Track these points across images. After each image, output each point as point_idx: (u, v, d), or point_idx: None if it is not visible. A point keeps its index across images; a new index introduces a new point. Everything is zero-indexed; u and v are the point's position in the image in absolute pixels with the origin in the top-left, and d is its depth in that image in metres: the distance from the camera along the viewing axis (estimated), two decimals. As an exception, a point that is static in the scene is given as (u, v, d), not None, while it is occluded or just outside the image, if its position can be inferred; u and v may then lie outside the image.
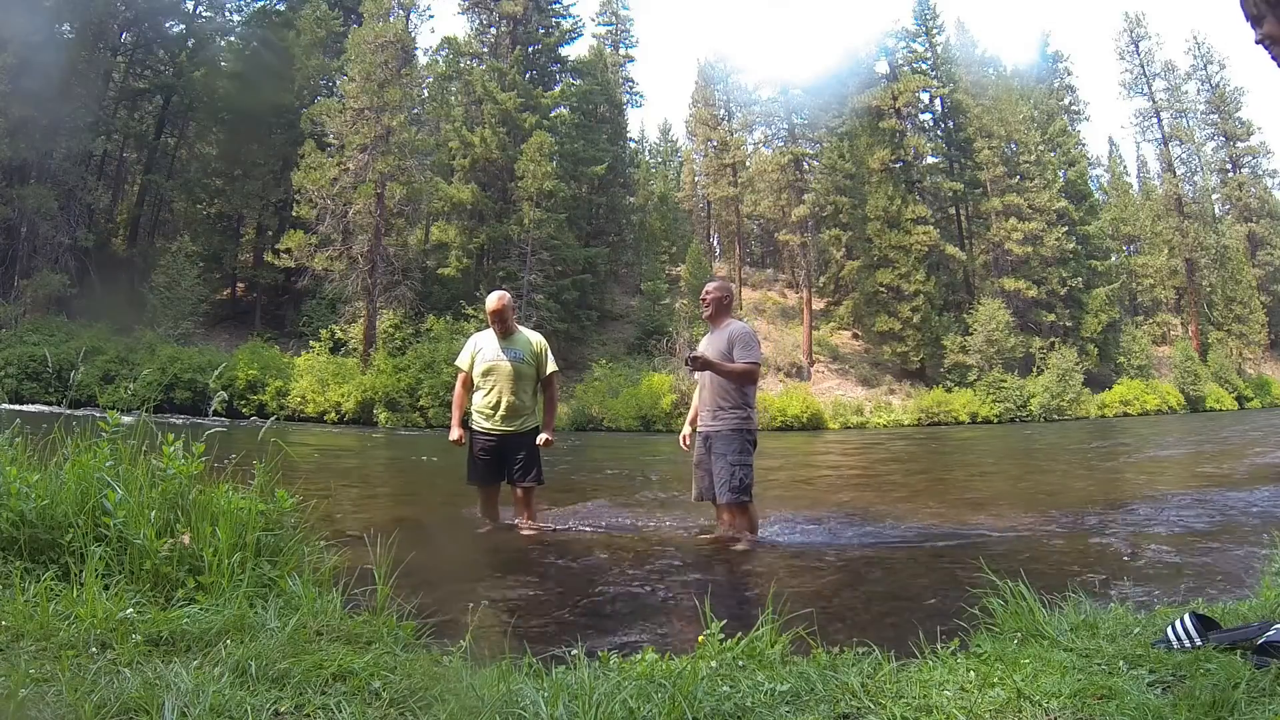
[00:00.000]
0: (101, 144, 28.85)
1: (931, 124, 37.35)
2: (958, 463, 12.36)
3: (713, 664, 1.98)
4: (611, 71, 38.67)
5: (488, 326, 4.95)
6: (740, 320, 4.80)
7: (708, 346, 4.57)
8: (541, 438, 4.84)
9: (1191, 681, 1.80)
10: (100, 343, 21.83)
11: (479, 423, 4.87)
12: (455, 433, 4.96)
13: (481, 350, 4.87)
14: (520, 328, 4.97)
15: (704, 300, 4.70)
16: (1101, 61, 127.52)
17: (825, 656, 2.03)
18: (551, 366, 4.93)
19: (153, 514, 2.44)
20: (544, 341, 4.98)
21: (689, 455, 4.84)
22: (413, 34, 28.23)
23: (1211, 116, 42.88)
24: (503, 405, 4.80)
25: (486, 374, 4.82)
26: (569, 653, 2.01)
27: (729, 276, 37.13)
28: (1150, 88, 42.81)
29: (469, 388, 4.97)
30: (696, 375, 4.71)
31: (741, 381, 4.48)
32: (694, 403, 4.92)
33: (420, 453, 13.11)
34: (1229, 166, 43.33)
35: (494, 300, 4.80)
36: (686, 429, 4.91)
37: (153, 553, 2.34)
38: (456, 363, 5.02)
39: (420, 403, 23.04)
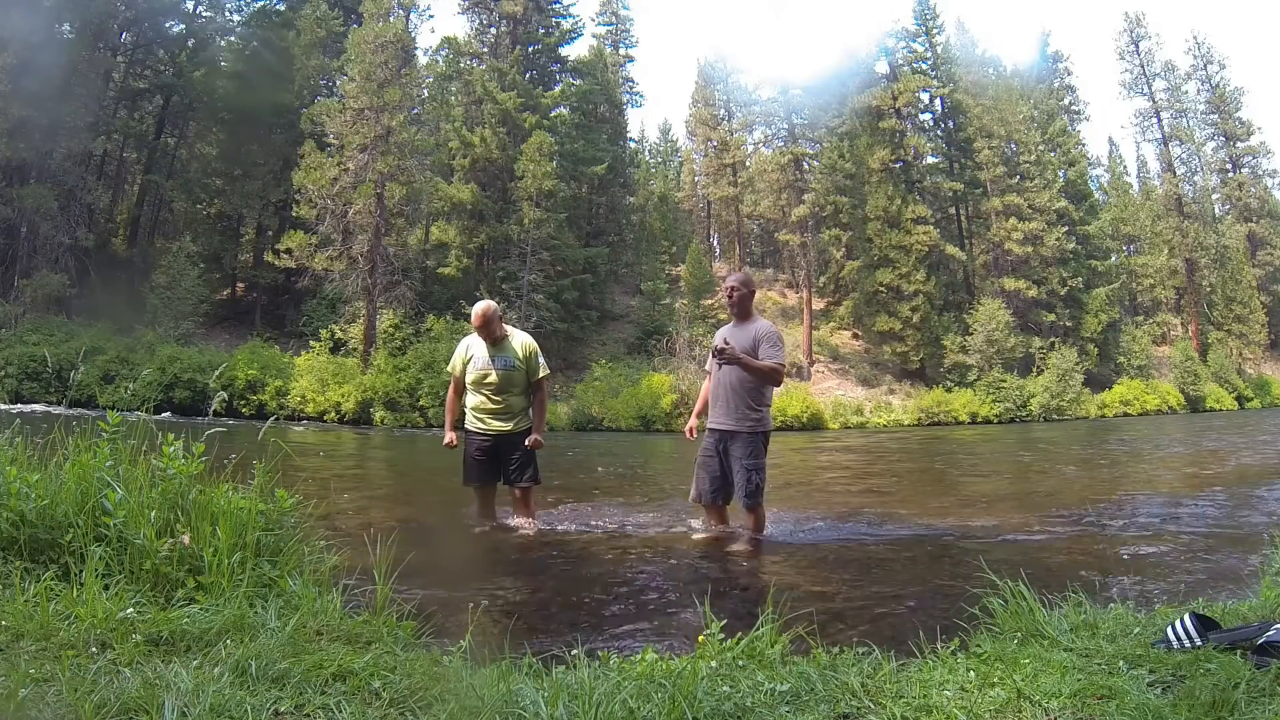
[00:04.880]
0: (101, 144, 28.84)
1: (931, 124, 37.30)
2: (958, 463, 12.36)
3: (713, 664, 1.99)
4: (611, 71, 38.61)
5: None
6: (765, 319, 4.72)
7: (734, 339, 4.42)
8: (530, 439, 4.85)
9: (1191, 681, 1.80)
10: (100, 343, 21.80)
11: (473, 424, 4.88)
12: (448, 436, 4.99)
13: (473, 357, 4.88)
14: (511, 331, 4.94)
15: (729, 295, 4.57)
16: (1101, 61, 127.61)
17: (825, 656, 2.03)
18: (542, 371, 4.93)
19: (153, 514, 2.44)
20: (534, 345, 4.96)
21: (689, 453, 4.81)
22: (413, 34, 28.21)
23: (1211, 116, 42.84)
24: (496, 407, 4.83)
25: (477, 381, 4.84)
26: (569, 653, 2.01)
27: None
28: (1150, 88, 42.79)
29: (460, 391, 5.00)
30: (710, 367, 4.64)
31: (765, 380, 4.40)
32: (703, 394, 4.85)
33: (420, 453, 13.12)
34: (1229, 166, 43.29)
35: (478, 314, 4.76)
36: (693, 420, 4.83)
37: (153, 553, 2.34)
38: (448, 368, 5.06)
39: (420, 403, 23.04)
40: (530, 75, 32.20)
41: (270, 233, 29.76)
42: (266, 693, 1.69)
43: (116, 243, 31.06)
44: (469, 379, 4.87)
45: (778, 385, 4.52)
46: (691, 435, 4.82)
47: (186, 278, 25.64)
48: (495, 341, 4.83)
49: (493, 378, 4.79)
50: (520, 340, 4.92)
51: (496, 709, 1.67)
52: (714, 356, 4.39)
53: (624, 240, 36.59)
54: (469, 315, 4.91)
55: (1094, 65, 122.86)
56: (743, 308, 4.57)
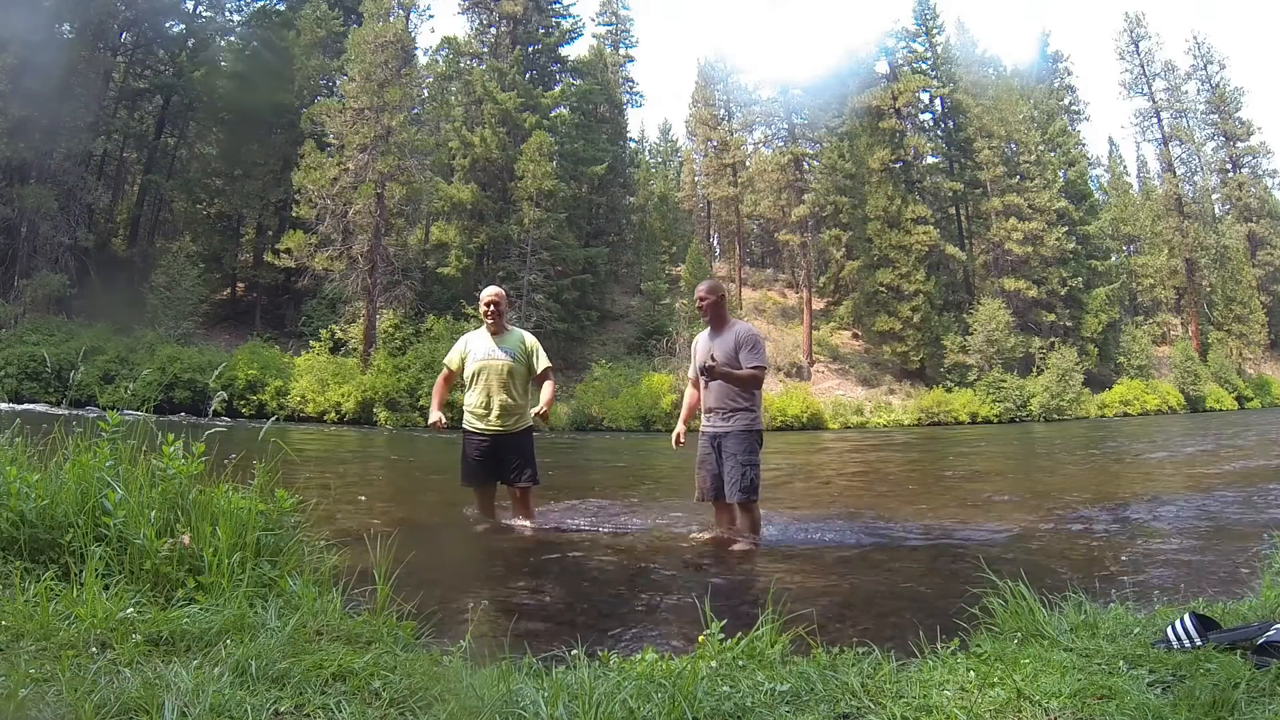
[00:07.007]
0: (101, 144, 28.83)
1: (931, 124, 37.32)
2: (957, 463, 12.35)
3: (713, 664, 1.99)
4: (611, 71, 38.62)
5: (482, 326, 5.01)
6: (742, 320, 4.80)
7: (716, 348, 4.54)
8: (538, 409, 4.84)
9: (1191, 681, 1.80)
10: (100, 343, 21.79)
11: (471, 423, 4.86)
12: (434, 415, 4.85)
13: (471, 350, 4.90)
14: (511, 327, 5.02)
15: (700, 305, 4.65)
16: (1101, 61, 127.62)
17: (825, 656, 2.03)
18: (544, 363, 4.96)
19: (153, 514, 2.44)
20: (535, 340, 5.03)
21: (688, 453, 4.84)
22: (413, 34, 28.25)
23: (1211, 116, 42.85)
24: (495, 404, 4.80)
25: (477, 373, 4.84)
26: (569, 653, 2.01)
27: (729, 276, 37.12)
28: (1150, 88, 42.82)
29: (451, 384, 5.03)
30: (691, 375, 4.74)
31: (750, 387, 4.52)
32: (687, 401, 4.92)
33: (420, 453, 13.11)
34: (1229, 166, 43.30)
35: (491, 292, 4.91)
36: (680, 427, 4.89)
37: (153, 553, 2.34)
38: (444, 360, 5.06)
39: (420, 403, 23.02)
40: (530, 75, 32.21)
41: (270, 233, 29.77)
42: (266, 693, 1.69)
43: (116, 243, 31.06)
44: (468, 371, 4.88)
45: (759, 388, 4.62)
46: (677, 444, 4.85)
47: (186, 278, 25.65)
48: (498, 331, 4.89)
49: (497, 366, 4.80)
50: (521, 335, 4.99)
51: (496, 709, 1.67)
52: (703, 375, 4.53)
53: (624, 240, 36.62)
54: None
55: (1094, 65, 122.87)
56: (716, 314, 4.64)
